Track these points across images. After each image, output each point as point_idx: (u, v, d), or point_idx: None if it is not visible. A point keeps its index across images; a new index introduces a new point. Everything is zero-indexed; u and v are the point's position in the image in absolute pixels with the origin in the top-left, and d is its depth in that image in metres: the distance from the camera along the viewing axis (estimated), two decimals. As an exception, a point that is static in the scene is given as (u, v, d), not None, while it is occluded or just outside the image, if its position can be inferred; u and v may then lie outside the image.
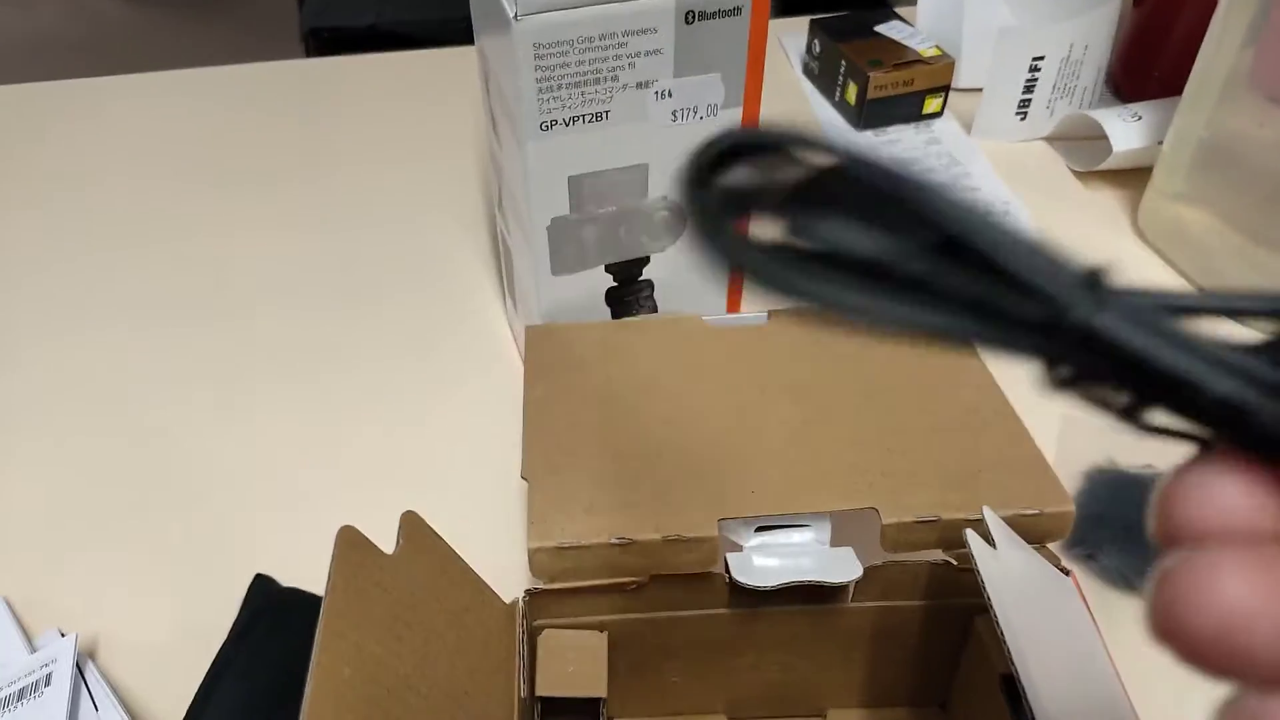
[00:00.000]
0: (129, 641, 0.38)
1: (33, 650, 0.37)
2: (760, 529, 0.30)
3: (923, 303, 0.12)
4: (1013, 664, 0.24)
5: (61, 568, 0.40)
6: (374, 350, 0.49)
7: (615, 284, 0.41)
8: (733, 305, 0.44)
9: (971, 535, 0.27)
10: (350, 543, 0.22)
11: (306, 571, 0.38)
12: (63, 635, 0.37)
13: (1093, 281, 0.12)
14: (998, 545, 0.27)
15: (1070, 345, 0.12)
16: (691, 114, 0.37)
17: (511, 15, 0.32)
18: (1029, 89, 0.61)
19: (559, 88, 0.34)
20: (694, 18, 0.35)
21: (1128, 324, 0.11)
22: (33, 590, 0.39)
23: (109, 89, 0.71)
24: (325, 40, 1.71)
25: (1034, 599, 0.27)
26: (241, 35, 2.27)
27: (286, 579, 0.38)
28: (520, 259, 0.42)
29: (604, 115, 0.36)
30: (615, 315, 0.42)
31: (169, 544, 0.41)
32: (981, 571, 0.26)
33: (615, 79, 0.35)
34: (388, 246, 0.56)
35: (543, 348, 0.37)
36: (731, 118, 0.37)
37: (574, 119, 0.35)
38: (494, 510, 0.41)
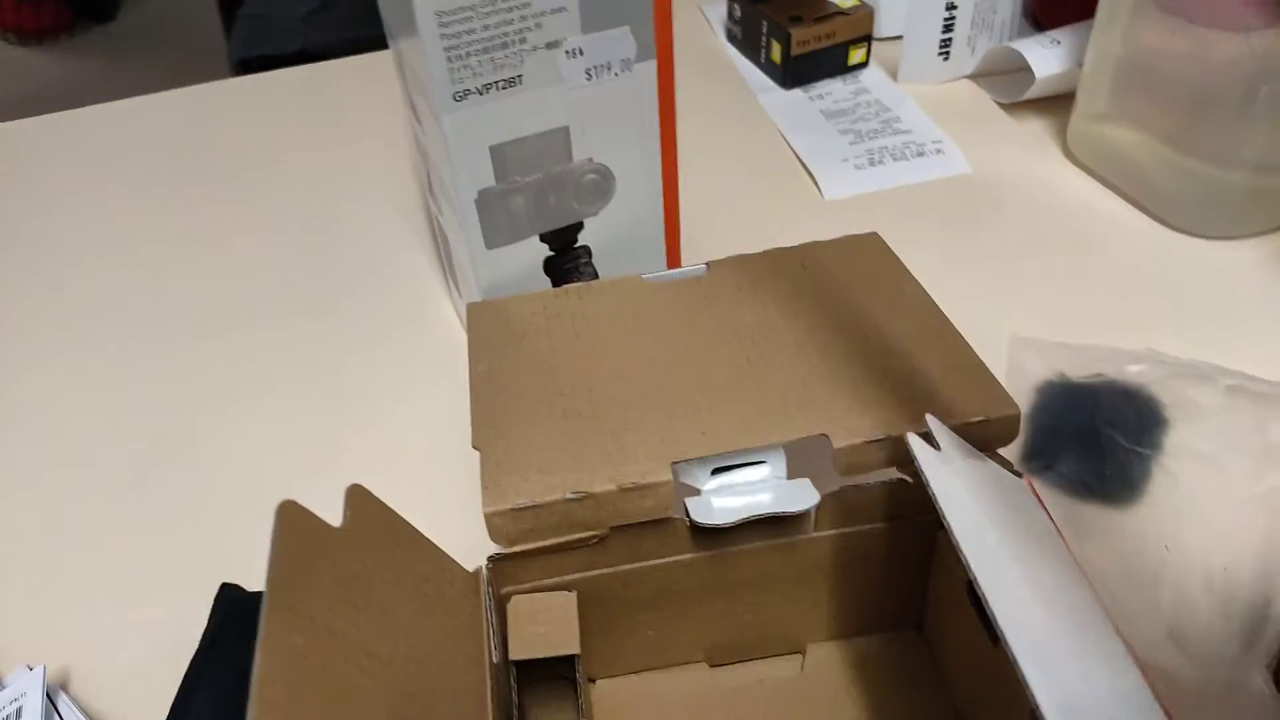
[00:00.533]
0: (101, 668, 0.37)
1: (1, 687, 0.36)
2: (716, 471, 0.30)
3: None
4: (970, 568, 0.24)
5: (23, 600, 0.39)
6: (325, 347, 0.49)
7: (552, 253, 0.41)
8: (672, 263, 0.44)
9: (915, 441, 0.27)
10: (291, 515, 0.22)
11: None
12: (30, 669, 0.36)
13: None
14: (945, 452, 0.27)
15: None
16: (605, 70, 0.37)
17: (410, -14, 0.32)
18: (948, 29, 0.61)
19: (468, 55, 0.34)
20: (597, -26, 0.34)
21: None
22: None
23: (47, 126, 0.70)
24: (255, 69, 1.69)
25: (989, 503, 0.27)
26: (173, 71, 2.24)
27: (256, 584, 0.37)
28: (455, 238, 0.41)
29: (517, 80, 0.35)
30: (555, 284, 0.42)
31: (133, 563, 0.40)
32: (929, 478, 0.26)
33: (524, 41, 0.35)
34: (331, 246, 0.55)
35: (484, 322, 0.36)
36: (646, 71, 0.37)
37: (487, 86, 0.35)
38: (452, 491, 0.41)
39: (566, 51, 0.36)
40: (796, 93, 0.63)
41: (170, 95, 0.72)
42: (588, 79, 0.36)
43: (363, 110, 0.67)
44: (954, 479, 0.26)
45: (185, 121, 0.69)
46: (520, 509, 0.28)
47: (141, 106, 0.71)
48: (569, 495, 0.28)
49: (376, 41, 1.65)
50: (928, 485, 0.26)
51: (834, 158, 0.57)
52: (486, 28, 0.34)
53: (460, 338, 0.49)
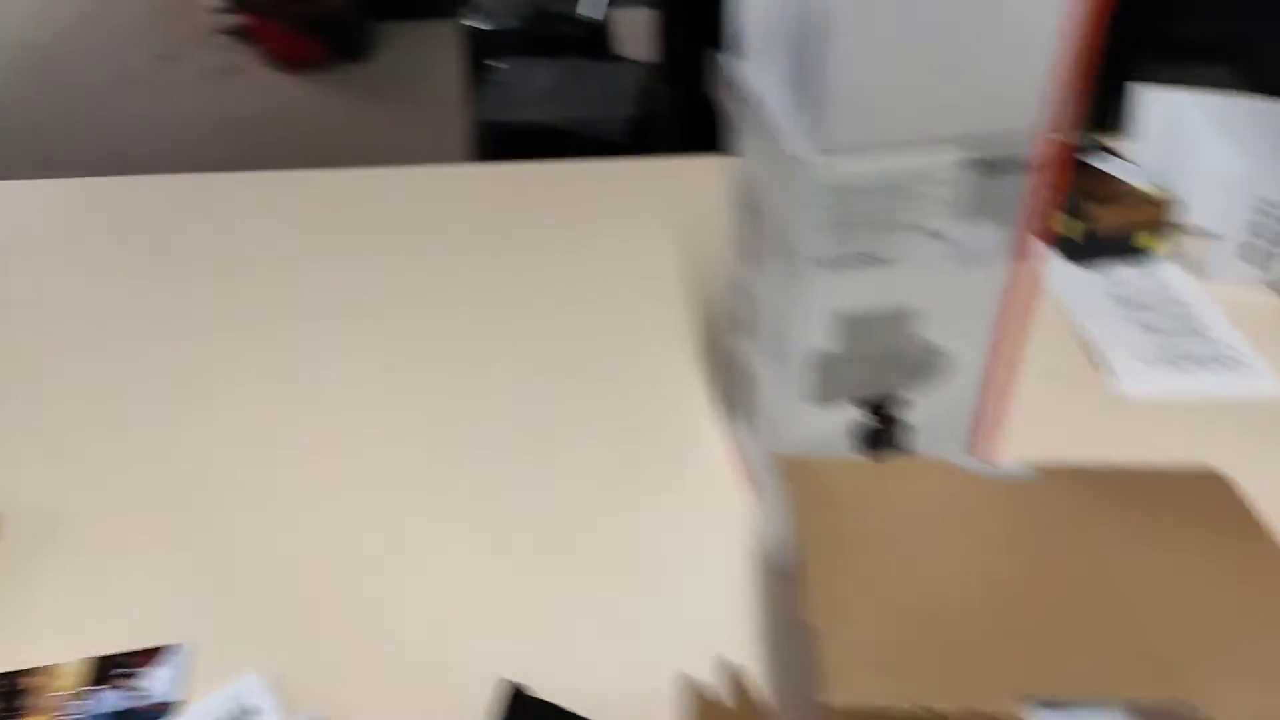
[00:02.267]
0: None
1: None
2: (1054, 706, 0.28)
3: None
4: None
5: (317, 652, 0.41)
6: (585, 459, 0.50)
7: (868, 420, 0.40)
8: (983, 447, 0.43)
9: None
10: (693, 693, 0.22)
11: (549, 682, 0.38)
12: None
13: None
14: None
15: None
16: (971, 260, 0.37)
17: (807, 160, 0.33)
18: (1264, 235, 0.58)
19: (844, 229, 0.35)
20: (985, 170, 0.35)
21: None
22: (292, 671, 0.40)
23: (298, 181, 0.74)
24: (494, 133, 1.80)
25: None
26: (413, 116, 2.41)
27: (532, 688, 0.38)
28: (770, 386, 0.42)
29: (884, 258, 0.36)
30: (864, 450, 0.41)
31: (414, 639, 0.41)
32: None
33: (903, 225, 0.35)
34: (588, 354, 0.57)
35: (803, 481, 0.36)
36: (1006, 266, 0.37)
37: (854, 259, 0.36)
38: (725, 635, 0.40)
39: (938, 239, 0.36)
40: (1085, 271, 0.62)
41: (417, 171, 0.75)
42: (951, 266, 0.37)
43: (629, 215, 0.70)
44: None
45: (431, 199, 0.72)
46: (869, 712, 0.28)
47: (393, 177, 0.74)
48: (919, 708, 0.28)
49: (615, 123, 1.72)
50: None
51: (1128, 350, 0.55)
52: (869, 209, 0.34)
53: (723, 463, 0.49)
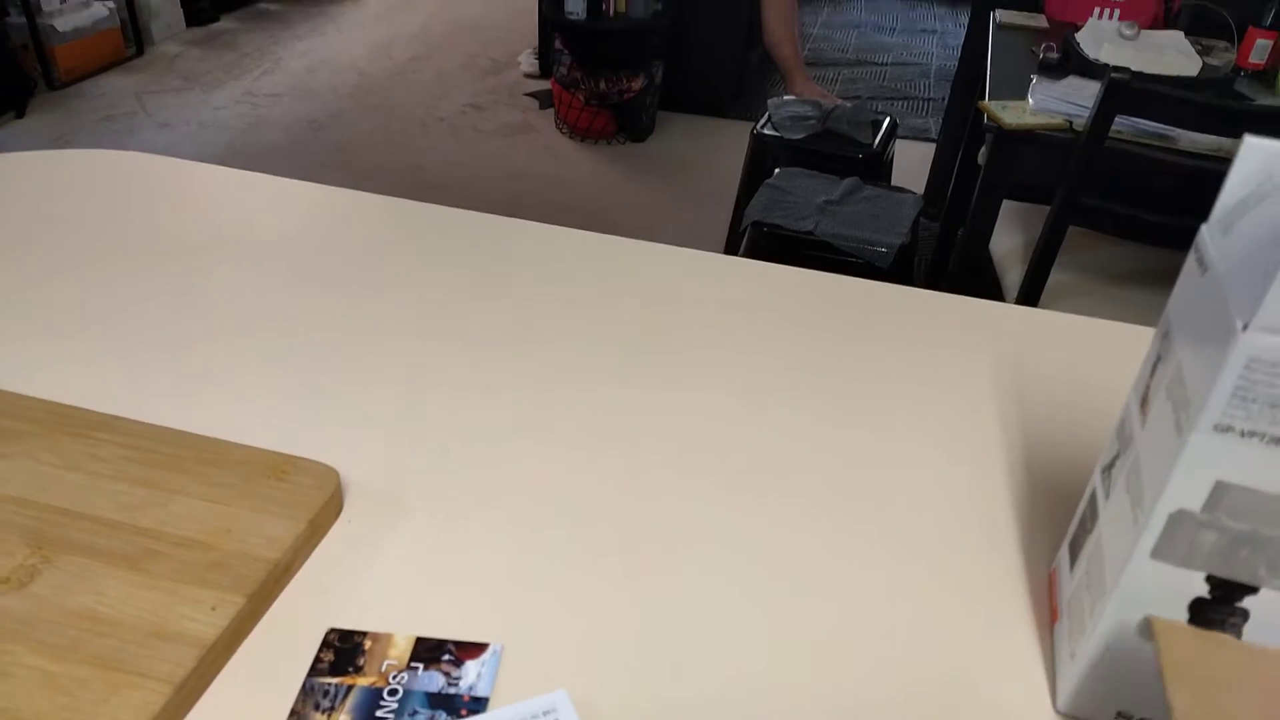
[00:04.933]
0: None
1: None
2: None
3: None
4: None
5: (623, 685, 0.44)
6: (881, 575, 0.50)
7: (1208, 597, 0.39)
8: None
9: None
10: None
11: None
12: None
13: None
14: None
15: None
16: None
17: (1238, 326, 0.33)
18: None
19: (1251, 402, 0.34)
20: None
21: None
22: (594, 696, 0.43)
23: (579, 239, 0.80)
24: (760, 233, 1.87)
25: None
26: (679, 204, 2.54)
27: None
28: (1114, 531, 0.41)
29: (1281, 440, 0.35)
30: (1193, 623, 0.40)
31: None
32: None
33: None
34: (905, 471, 0.58)
35: (1182, 648, 0.36)
36: None
37: (1251, 433, 0.35)
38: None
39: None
40: None
41: (705, 257, 0.79)
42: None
43: (953, 348, 0.70)
44: None
45: (704, 283, 0.76)
46: None
47: (666, 254, 0.79)
48: None
49: (876, 245, 1.74)
50: None
51: None
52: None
53: (1036, 586, 0.48)
